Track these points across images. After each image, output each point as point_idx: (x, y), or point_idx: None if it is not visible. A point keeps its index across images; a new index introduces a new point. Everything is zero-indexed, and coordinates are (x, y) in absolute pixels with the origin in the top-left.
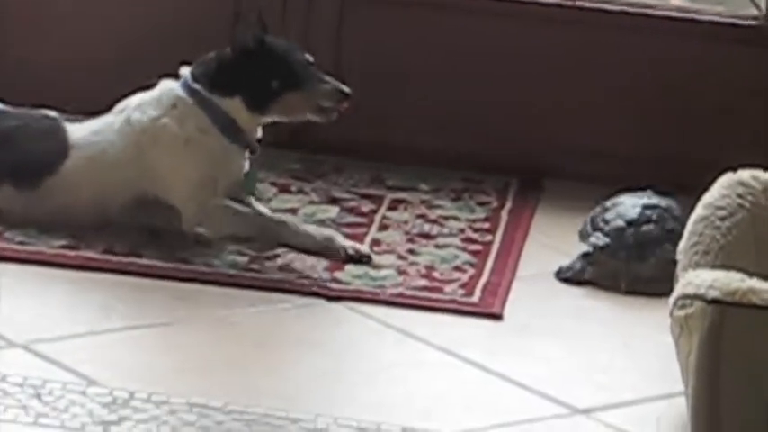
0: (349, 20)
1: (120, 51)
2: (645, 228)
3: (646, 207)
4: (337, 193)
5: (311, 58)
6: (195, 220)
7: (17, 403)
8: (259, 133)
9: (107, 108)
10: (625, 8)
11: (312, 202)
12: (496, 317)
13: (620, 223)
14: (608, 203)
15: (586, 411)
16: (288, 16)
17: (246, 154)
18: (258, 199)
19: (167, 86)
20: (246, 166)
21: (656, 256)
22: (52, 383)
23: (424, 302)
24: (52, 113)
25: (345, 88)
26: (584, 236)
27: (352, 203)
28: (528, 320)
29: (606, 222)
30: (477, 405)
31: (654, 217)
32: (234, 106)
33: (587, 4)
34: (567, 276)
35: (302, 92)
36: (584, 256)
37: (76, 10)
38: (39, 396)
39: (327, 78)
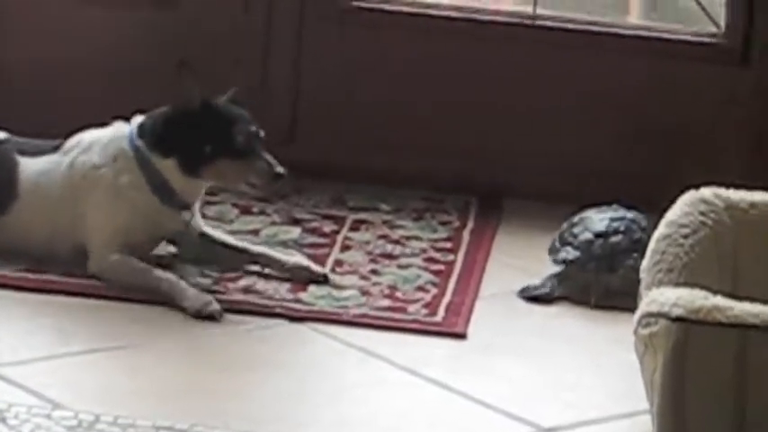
0: (306, 42)
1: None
2: (613, 239)
3: (613, 219)
4: (299, 214)
5: (260, 132)
6: (97, 267)
7: None
8: (201, 194)
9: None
10: (585, 27)
11: (274, 223)
12: (460, 336)
13: (589, 236)
14: (575, 219)
15: (551, 430)
16: (248, 38)
17: (184, 214)
18: (199, 263)
19: (117, 134)
20: (182, 226)
21: (624, 266)
22: (17, 407)
23: (388, 323)
24: (1, 135)
25: (280, 169)
26: (552, 252)
27: (314, 224)
28: (491, 339)
29: (575, 236)
30: (441, 424)
31: (621, 228)
32: (168, 167)
33: (547, 23)
34: (535, 295)
35: (235, 162)
36: (555, 276)
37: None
38: (4, 420)
39: (266, 156)
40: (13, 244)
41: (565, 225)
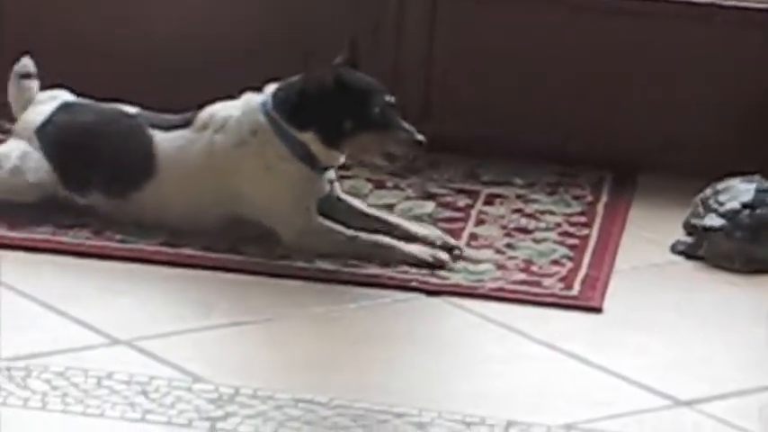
0: (442, 12)
1: (208, 56)
2: (759, 210)
3: (759, 190)
4: (433, 189)
5: (393, 100)
6: (295, 243)
7: (124, 400)
8: (341, 160)
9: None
10: (718, 1)
11: (408, 198)
12: (596, 310)
13: (736, 205)
14: (719, 186)
15: (689, 403)
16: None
17: (328, 175)
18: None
19: (249, 107)
20: (326, 187)
21: None
22: (158, 380)
23: (524, 296)
24: (131, 110)
25: (420, 137)
26: (695, 216)
27: (448, 198)
28: (628, 313)
29: (720, 204)
30: (581, 398)
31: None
32: (311, 140)
33: None
34: (681, 250)
35: (374, 134)
36: (704, 230)
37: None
38: (145, 393)
39: (404, 124)
40: (149, 220)
41: (708, 191)
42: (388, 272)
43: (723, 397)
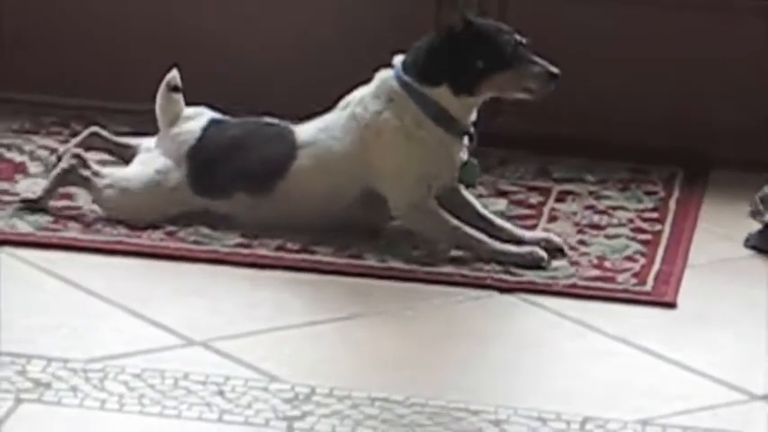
0: (510, 13)
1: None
2: None
3: None
4: (504, 186)
5: (523, 39)
6: (405, 213)
7: (201, 401)
8: (473, 116)
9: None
10: None
11: (480, 196)
12: (670, 305)
13: None
14: None
15: (765, 397)
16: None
17: (464, 141)
18: (473, 190)
19: (382, 78)
20: (464, 155)
21: None
22: (234, 380)
23: (598, 293)
24: (273, 120)
25: (554, 69)
26: (757, 215)
27: (520, 196)
28: (702, 308)
29: None
30: (657, 393)
31: None
32: (443, 95)
33: None
34: (753, 244)
35: (509, 72)
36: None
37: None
38: (221, 393)
39: (537, 59)
40: (289, 209)
41: (767, 188)
42: (462, 269)
43: None
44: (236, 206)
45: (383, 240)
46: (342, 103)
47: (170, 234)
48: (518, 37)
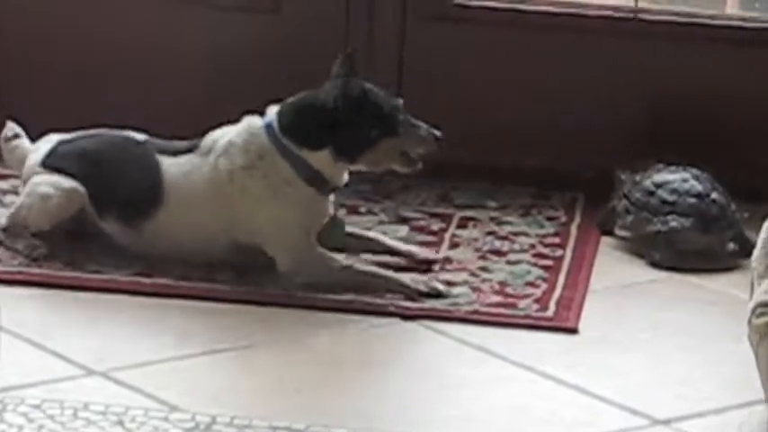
0: (410, 37)
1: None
2: (715, 196)
3: (695, 178)
4: (406, 213)
5: (401, 102)
6: (291, 270)
7: (100, 431)
8: (345, 178)
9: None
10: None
11: (382, 222)
12: (572, 330)
13: (692, 200)
14: (646, 183)
15: (667, 422)
16: (350, 36)
17: (331, 198)
18: (341, 251)
19: (252, 131)
20: (331, 210)
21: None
22: (134, 410)
23: (500, 319)
24: (139, 136)
25: (438, 132)
26: (649, 223)
27: (422, 222)
28: (604, 333)
29: (672, 203)
30: (559, 419)
31: (717, 187)
32: (322, 159)
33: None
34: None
35: (397, 139)
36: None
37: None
38: (121, 423)
39: (419, 123)
40: (159, 250)
41: (636, 193)
42: (365, 297)
43: (701, 415)
44: (111, 230)
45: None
46: (205, 145)
47: (69, 264)
48: (398, 100)
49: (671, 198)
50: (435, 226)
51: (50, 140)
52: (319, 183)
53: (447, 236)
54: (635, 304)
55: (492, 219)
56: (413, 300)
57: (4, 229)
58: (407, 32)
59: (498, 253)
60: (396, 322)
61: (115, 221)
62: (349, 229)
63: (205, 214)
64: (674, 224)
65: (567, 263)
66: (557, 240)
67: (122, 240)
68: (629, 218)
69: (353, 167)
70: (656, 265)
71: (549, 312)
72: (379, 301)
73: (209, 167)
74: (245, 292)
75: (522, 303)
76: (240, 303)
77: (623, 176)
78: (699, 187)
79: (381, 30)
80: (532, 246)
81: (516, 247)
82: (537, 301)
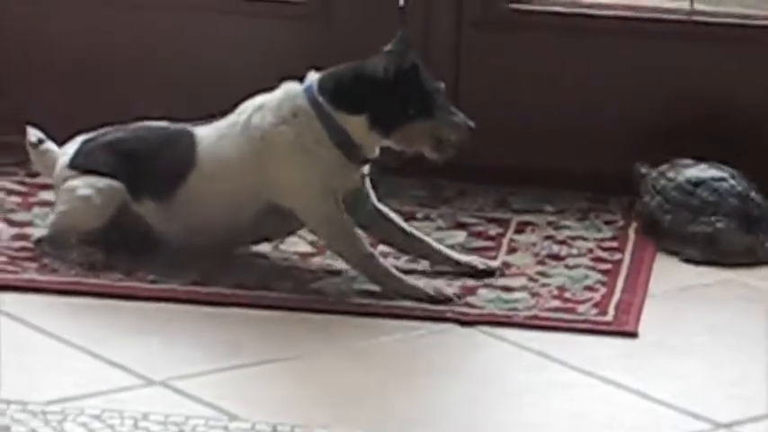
0: (467, 43)
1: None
2: (754, 196)
3: (732, 177)
4: (463, 218)
5: (443, 87)
6: (316, 228)
7: None
8: (376, 152)
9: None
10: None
11: (439, 228)
12: (632, 335)
13: (734, 200)
14: (680, 179)
15: (728, 425)
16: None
17: (362, 169)
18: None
19: (289, 92)
20: (360, 183)
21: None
22: (194, 420)
23: (559, 323)
24: (167, 125)
25: (471, 123)
26: (692, 223)
27: (479, 228)
28: (663, 337)
29: (715, 204)
30: (620, 424)
31: (753, 186)
32: (356, 124)
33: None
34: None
35: (432, 121)
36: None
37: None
38: None
39: (457, 111)
40: (192, 219)
41: (674, 193)
42: (422, 303)
43: (762, 418)
44: (145, 211)
45: (341, 276)
46: (239, 109)
47: (128, 274)
48: (440, 84)
49: (712, 198)
50: (493, 231)
51: (76, 141)
52: (349, 147)
53: (505, 241)
54: (694, 308)
55: (549, 223)
56: (472, 304)
57: (43, 240)
58: (463, 39)
59: (556, 257)
60: (453, 328)
61: (150, 200)
62: (412, 230)
63: (235, 175)
64: (719, 225)
65: (626, 267)
66: (615, 244)
67: (155, 219)
68: (668, 217)
69: (385, 142)
70: (690, 261)
71: (609, 317)
72: (436, 307)
73: (240, 127)
74: (301, 299)
75: (581, 308)
76: (296, 311)
77: (643, 170)
78: (738, 187)
79: (437, 36)
80: (590, 250)
81: (574, 251)
82: (596, 305)
